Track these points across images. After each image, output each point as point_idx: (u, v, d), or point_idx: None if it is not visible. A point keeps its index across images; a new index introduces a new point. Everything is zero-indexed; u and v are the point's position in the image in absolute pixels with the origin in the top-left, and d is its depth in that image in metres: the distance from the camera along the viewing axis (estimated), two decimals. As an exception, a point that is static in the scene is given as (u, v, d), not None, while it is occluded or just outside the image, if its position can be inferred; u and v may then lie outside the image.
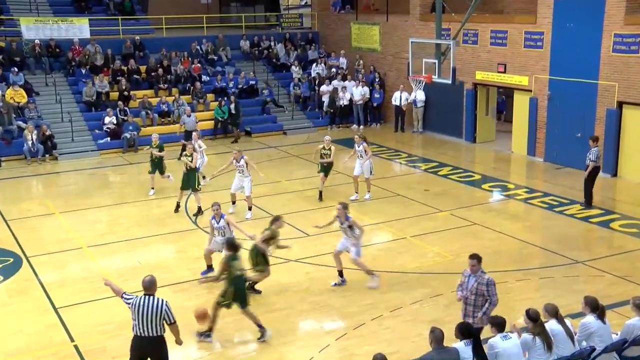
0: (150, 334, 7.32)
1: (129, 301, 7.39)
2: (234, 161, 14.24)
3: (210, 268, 11.09)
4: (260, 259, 10.45)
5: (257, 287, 10.56)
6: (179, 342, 7.67)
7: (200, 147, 15.98)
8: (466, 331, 6.83)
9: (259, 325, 9.13)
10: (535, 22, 18.78)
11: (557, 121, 18.45)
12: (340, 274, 10.88)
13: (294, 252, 12.25)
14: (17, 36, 22.99)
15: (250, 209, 14.41)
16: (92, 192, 16.57)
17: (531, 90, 19.15)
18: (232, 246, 9.18)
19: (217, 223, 10.85)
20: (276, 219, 10.77)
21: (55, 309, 10.08)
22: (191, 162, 14.28)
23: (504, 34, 19.82)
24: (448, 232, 13.32)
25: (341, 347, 8.93)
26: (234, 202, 14.62)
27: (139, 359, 7.46)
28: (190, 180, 14.39)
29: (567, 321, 7.35)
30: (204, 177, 16.13)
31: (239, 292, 8.99)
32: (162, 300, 7.35)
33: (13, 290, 10.83)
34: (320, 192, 15.33)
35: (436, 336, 6.69)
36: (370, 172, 15.40)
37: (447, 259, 11.98)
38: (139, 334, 7.34)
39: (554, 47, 18.21)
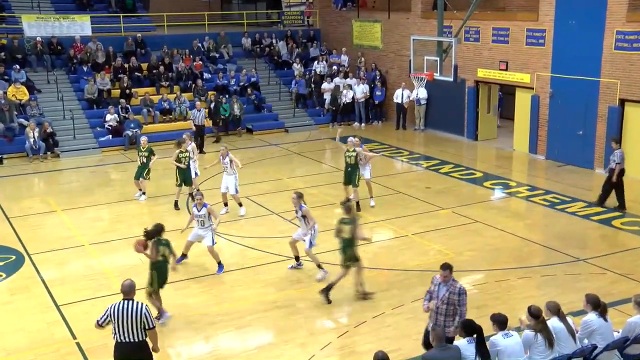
0: (131, 339, 7.14)
1: (105, 315, 7.19)
2: (221, 158, 14.14)
3: (184, 256, 11.53)
4: (349, 253, 10.08)
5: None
6: (155, 349, 7.41)
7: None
8: (469, 328, 6.82)
9: (160, 310, 9.50)
10: (537, 20, 18.74)
11: (559, 119, 18.42)
12: (297, 259, 11.39)
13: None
14: (19, 33, 23.01)
15: (240, 205, 14.32)
16: (93, 190, 16.58)
17: (533, 88, 19.11)
18: (158, 231, 9.50)
19: (199, 211, 11.07)
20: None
21: (57, 306, 10.10)
22: (180, 162, 14.42)
23: (505, 31, 19.78)
24: (449, 230, 13.31)
25: (342, 345, 8.94)
26: (225, 204, 14.38)
27: None
28: (187, 177, 14.56)
29: (569, 319, 7.35)
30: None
31: (161, 276, 9.39)
32: (142, 304, 7.18)
33: (15, 287, 10.85)
34: (357, 203, 14.01)
35: (437, 334, 6.71)
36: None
37: (449, 256, 11.96)
38: (119, 340, 7.17)
39: (556, 44, 18.18)
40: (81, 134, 20.81)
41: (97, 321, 7.25)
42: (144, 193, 15.51)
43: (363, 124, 23.90)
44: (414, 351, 8.44)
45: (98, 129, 21.08)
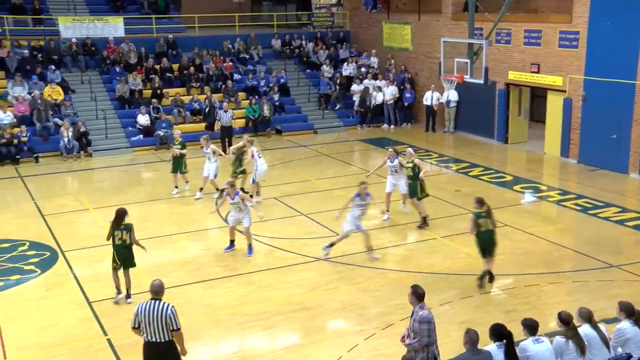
0: (158, 339, 7.15)
1: (134, 316, 7.23)
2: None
3: (232, 243, 12.29)
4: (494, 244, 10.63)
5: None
6: (183, 352, 7.38)
7: (214, 152, 15.37)
8: (499, 333, 6.74)
9: (128, 291, 10.24)
10: (570, 22, 18.47)
11: (592, 122, 18.12)
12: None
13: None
14: (55, 35, 23.49)
15: (217, 190, 15.16)
16: (124, 189, 16.82)
17: (565, 91, 18.84)
18: (119, 216, 10.20)
19: (232, 199, 11.78)
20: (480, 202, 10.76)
21: (89, 303, 10.28)
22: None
23: (537, 33, 19.54)
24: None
25: (370, 347, 8.92)
26: (217, 189, 15.22)
27: None
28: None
29: (602, 326, 7.21)
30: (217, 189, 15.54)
31: (120, 257, 10.10)
32: (168, 306, 7.17)
33: (49, 283, 11.07)
34: (424, 218, 13.56)
35: (471, 337, 6.61)
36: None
37: (478, 260, 11.82)
38: (147, 339, 7.19)
39: (590, 46, 17.89)
40: (113, 134, 21.13)
41: (132, 326, 7.29)
42: (177, 187, 16.02)
43: (392, 126, 23.82)
44: (443, 355, 8.33)
45: (129, 128, 21.39)
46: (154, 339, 7.17)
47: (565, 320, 6.94)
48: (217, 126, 20.45)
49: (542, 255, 12.11)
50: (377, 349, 8.88)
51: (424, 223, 13.47)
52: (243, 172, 15.39)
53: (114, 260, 10.19)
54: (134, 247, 10.29)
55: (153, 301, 7.22)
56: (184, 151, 15.81)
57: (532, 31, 19.74)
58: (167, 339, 7.19)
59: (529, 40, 19.87)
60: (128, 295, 10.31)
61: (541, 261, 11.81)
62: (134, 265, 10.31)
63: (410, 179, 13.53)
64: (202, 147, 15.40)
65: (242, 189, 14.58)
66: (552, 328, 7.95)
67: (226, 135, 20.18)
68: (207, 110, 21.94)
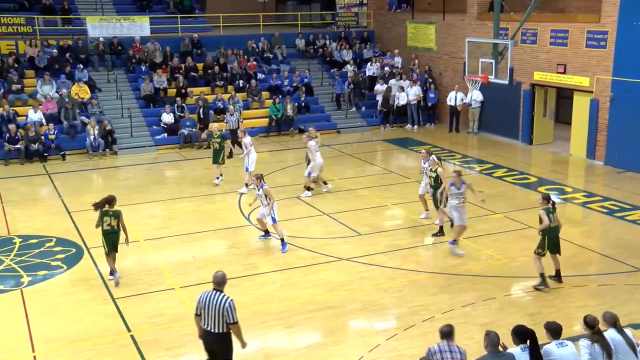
0: (214, 330, 7.27)
1: (197, 304, 7.41)
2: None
3: (267, 233, 12.84)
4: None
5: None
6: (242, 344, 7.48)
7: (250, 143, 16.16)
8: (523, 335, 6.67)
9: (112, 270, 10.90)
10: (598, 21, 18.21)
11: (620, 123, 17.85)
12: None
13: (346, 251, 12.31)
14: (83, 35, 23.83)
15: (247, 185, 15.87)
16: (149, 187, 17.00)
17: (592, 92, 18.59)
18: (108, 202, 10.84)
19: (258, 191, 12.35)
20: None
21: (113, 300, 10.41)
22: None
23: (564, 33, 19.31)
24: (502, 235, 13.08)
25: (391, 348, 8.91)
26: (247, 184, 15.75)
27: (209, 351, 7.49)
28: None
29: (628, 331, 7.09)
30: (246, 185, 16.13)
31: (108, 243, 10.74)
32: (227, 298, 7.24)
33: (75, 279, 11.24)
34: (441, 228, 13.04)
35: (491, 339, 6.56)
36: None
37: (501, 262, 11.78)
38: (204, 327, 7.34)
39: (619, 46, 17.62)
40: (138, 132, 21.36)
41: (194, 313, 7.43)
42: (221, 175, 16.85)
43: (415, 127, 23.72)
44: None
45: (154, 127, 21.60)
46: (210, 329, 7.29)
47: (590, 324, 6.85)
48: (225, 128, 20.37)
49: (567, 257, 11.93)
50: (398, 350, 8.86)
51: (440, 232, 13.02)
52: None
53: (103, 246, 10.86)
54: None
55: (214, 292, 7.32)
56: (224, 146, 16.80)
57: (558, 31, 19.51)
58: (222, 331, 7.26)
59: (555, 41, 19.65)
60: (111, 274, 11.02)
61: (566, 264, 11.63)
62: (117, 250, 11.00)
63: (432, 188, 13.06)
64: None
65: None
66: (576, 332, 7.86)
67: (234, 138, 19.76)
68: (200, 110, 21.61)
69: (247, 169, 15.93)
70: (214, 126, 17.40)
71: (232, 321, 7.24)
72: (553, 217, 10.47)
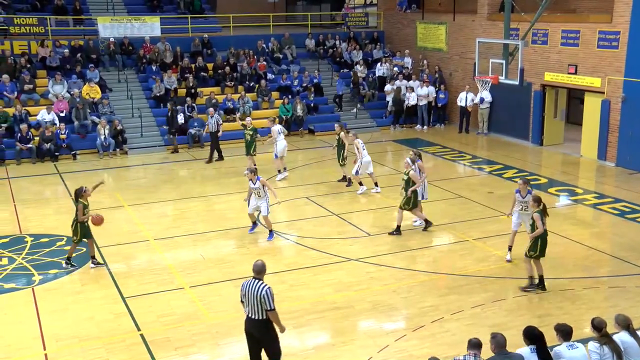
0: (255, 317, 7.55)
1: (241, 292, 7.72)
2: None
3: (255, 224, 13.21)
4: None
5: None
6: (281, 329, 7.78)
7: (279, 132, 17.39)
8: (532, 336, 6.64)
9: (93, 257, 11.64)
10: (610, 22, 18.10)
11: (632, 124, 17.74)
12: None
13: (355, 251, 12.31)
14: (94, 35, 23.96)
15: (280, 171, 17.06)
16: (159, 187, 17.08)
17: (604, 92, 18.48)
18: (76, 195, 11.53)
19: (254, 184, 12.60)
20: None
21: (123, 299, 10.46)
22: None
23: (575, 33, 19.21)
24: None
25: (400, 349, 8.90)
26: (360, 183, 16.05)
27: (250, 338, 7.75)
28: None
29: (640, 334, 7.06)
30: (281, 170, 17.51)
31: (82, 231, 11.49)
32: (264, 286, 7.50)
33: (86, 278, 11.31)
34: (398, 227, 13.20)
35: (498, 341, 6.54)
36: (423, 196, 13.49)
37: (511, 263, 11.73)
38: (248, 315, 7.64)
39: (631, 47, 17.51)
40: (148, 132, 21.45)
41: (240, 300, 7.75)
42: (254, 165, 17.12)
43: (425, 127, 23.68)
44: (473, 358, 8.30)
45: (164, 127, 21.67)
46: (251, 315, 7.60)
47: (597, 326, 6.82)
48: (205, 130, 20.31)
49: (577, 259, 11.91)
50: (407, 351, 8.85)
51: (397, 231, 13.05)
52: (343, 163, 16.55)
53: (78, 236, 11.57)
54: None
55: (254, 280, 7.61)
56: (256, 138, 17.65)
57: (570, 31, 19.41)
58: (262, 317, 7.55)
59: (566, 41, 19.55)
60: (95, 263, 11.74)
61: (576, 265, 11.61)
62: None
63: (404, 190, 13.01)
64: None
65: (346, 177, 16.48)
66: (587, 334, 7.81)
67: (214, 141, 19.51)
68: (169, 114, 21.03)
69: (276, 156, 16.85)
70: (247, 120, 18.16)
71: (269, 308, 7.50)
72: (544, 221, 10.35)
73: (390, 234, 13.08)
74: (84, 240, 11.68)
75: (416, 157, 13.47)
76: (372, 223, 13.87)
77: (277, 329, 7.75)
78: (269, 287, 7.53)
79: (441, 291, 10.62)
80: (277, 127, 17.69)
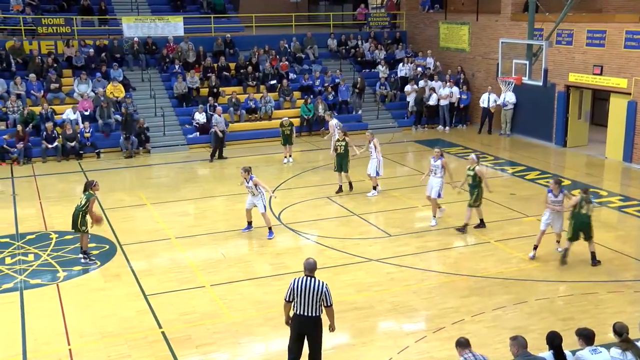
0: (309, 314, 7.60)
1: (289, 290, 7.70)
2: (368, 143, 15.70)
3: (250, 225, 13.31)
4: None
5: None
6: (332, 327, 7.88)
7: (336, 126, 17.88)
8: (552, 341, 6.57)
9: (86, 252, 11.88)
10: (638, 21, 17.83)
11: (658, 126, 17.47)
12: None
13: (376, 251, 12.29)
14: (118, 34, 24.23)
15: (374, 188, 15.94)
16: (180, 185, 17.20)
17: (630, 93, 18.21)
18: (86, 186, 12.04)
19: (247, 183, 12.88)
20: None
21: (145, 296, 10.56)
22: (336, 149, 15.85)
23: (601, 34, 18.95)
24: (534, 238, 12.86)
25: (420, 350, 8.87)
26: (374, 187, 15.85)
27: (298, 336, 7.80)
28: (343, 163, 15.75)
29: (665, 339, 6.96)
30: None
31: (76, 220, 11.75)
32: (323, 283, 7.62)
33: (108, 275, 11.45)
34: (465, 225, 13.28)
35: (519, 342, 6.47)
36: (439, 194, 13.64)
37: (532, 265, 11.62)
38: (299, 312, 7.65)
39: (658, 47, 17.25)
40: (170, 131, 21.62)
41: (285, 298, 7.72)
42: (290, 156, 19.12)
43: (447, 128, 23.55)
44: (494, 361, 8.25)
45: (186, 126, 21.84)
46: (305, 313, 7.63)
47: (618, 331, 6.74)
48: (218, 129, 20.39)
49: (602, 263, 11.74)
50: (427, 352, 8.81)
51: (464, 229, 13.19)
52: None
53: (87, 226, 11.86)
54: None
55: (308, 278, 7.65)
56: (293, 133, 19.13)
57: (595, 31, 19.16)
58: (317, 314, 7.65)
59: (592, 41, 19.30)
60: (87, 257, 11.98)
61: (600, 269, 11.46)
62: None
63: (470, 187, 13.14)
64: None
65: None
66: (611, 339, 7.70)
67: (218, 138, 19.70)
68: (124, 119, 20.39)
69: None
70: (284, 118, 19.36)
71: (328, 304, 7.64)
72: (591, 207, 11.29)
73: (458, 230, 13.23)
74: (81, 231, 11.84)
75: (440, 155, 13.67)
76: (393, 224, 13.82)
77: (329, 326, 7.86)
78: (326, 283, 7.67)
79: (462, 293, 10.56)
80: (335, 122, 18.53)
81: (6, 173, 18.41)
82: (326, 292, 7.60)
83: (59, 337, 9.30)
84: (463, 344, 6.74)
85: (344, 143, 15.63)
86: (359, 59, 26.22)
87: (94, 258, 11.95)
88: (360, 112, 23.95)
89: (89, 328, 9.53)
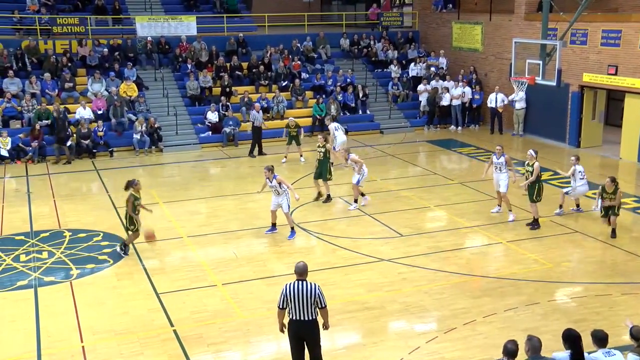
0: (304, 318, 7.53)
1: (281, 296, 7.56)
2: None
3: (274, 226, 13.22)
4: None
5: None
6: (326, 326, 7.82)
7: (335, 129, 18.23)
8: (566, 338, 6.50)
9: (125, 244, 12.23)
10: (654, 21, 17.68)
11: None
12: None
13: (387, 251, 12.27)
14: (132, 34, 24.37)
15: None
16: (192, 184, 17.27)
17: (645, 94, 18.06)
18: (127, 186, 12.27)
19: (270, 182, 12.77)
20: None
21: (157, 294, 10.61)
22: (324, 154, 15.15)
23: (617, 33, 18.79)
24: (547, 239, 12.83)
25: (431, 350, 8.85)
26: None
27: (297, 341, 7.72)
28: (322, 171, 15.11)
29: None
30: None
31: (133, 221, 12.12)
32: (315, 285, 7.55)
33: (121, 273, 11.52)
34: (536, 220, 13.61)
35: (533, 344, 6.42)
36: (506, 187, 13.98)
37: (545, 266, 11.56)
38: (295, 317, 7.56)
39: (673, 47, 17.07)
40: (183, 130, 21.72)
41: (278, 305, 7.59)
42: (301, 155, 19.20)
43: (460, 128, 23.47)
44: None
45: (199, 125, 21.92)
46: (301, 318, 7.53)
47: (635, 335, 6.67)
48: (248, 127, 20.48)
49: (615, 264, 11.67)
50: (439, 353, 8.79)
51: (535, 224, 13.46)
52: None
53: (134, 226, 12.19)
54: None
55: (299, 281, 7.55)
56: (300, 134, 19.23)
57: (610, 31, 19.01)
58: (312, 318, 7.58)
59: (607, 41, 19.14)
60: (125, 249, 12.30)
61: (614, 270, 11.37)
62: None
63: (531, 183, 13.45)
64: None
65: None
66: (625, 341, 7.65)
67: (257, 135, 19.92)
68: (56, 121, 19.54)
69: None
70: (290, 119, 19.38)
71: (322, 306, 7.57)
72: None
73: (529, 225, 13.43)
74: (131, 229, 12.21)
75: (502, 152, 14.04)
76: (404, 224, 13.80)
77: (323, 325, 7.80)
78: (319, 285, 7.60)
79: (474, 293, 10.52)
80: (333, 125, 18.71)
81: (21, 171, 18.57)
82: (319, 294, 7.50)
83: (72, 334, 9.38)
84: (510, 353, 6.40)
85: (323, 150, 15.00)
86: (372, 58, 26.18)
87: (127, 254, 12.22)
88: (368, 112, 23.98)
89: (102, 325, 9.60)
